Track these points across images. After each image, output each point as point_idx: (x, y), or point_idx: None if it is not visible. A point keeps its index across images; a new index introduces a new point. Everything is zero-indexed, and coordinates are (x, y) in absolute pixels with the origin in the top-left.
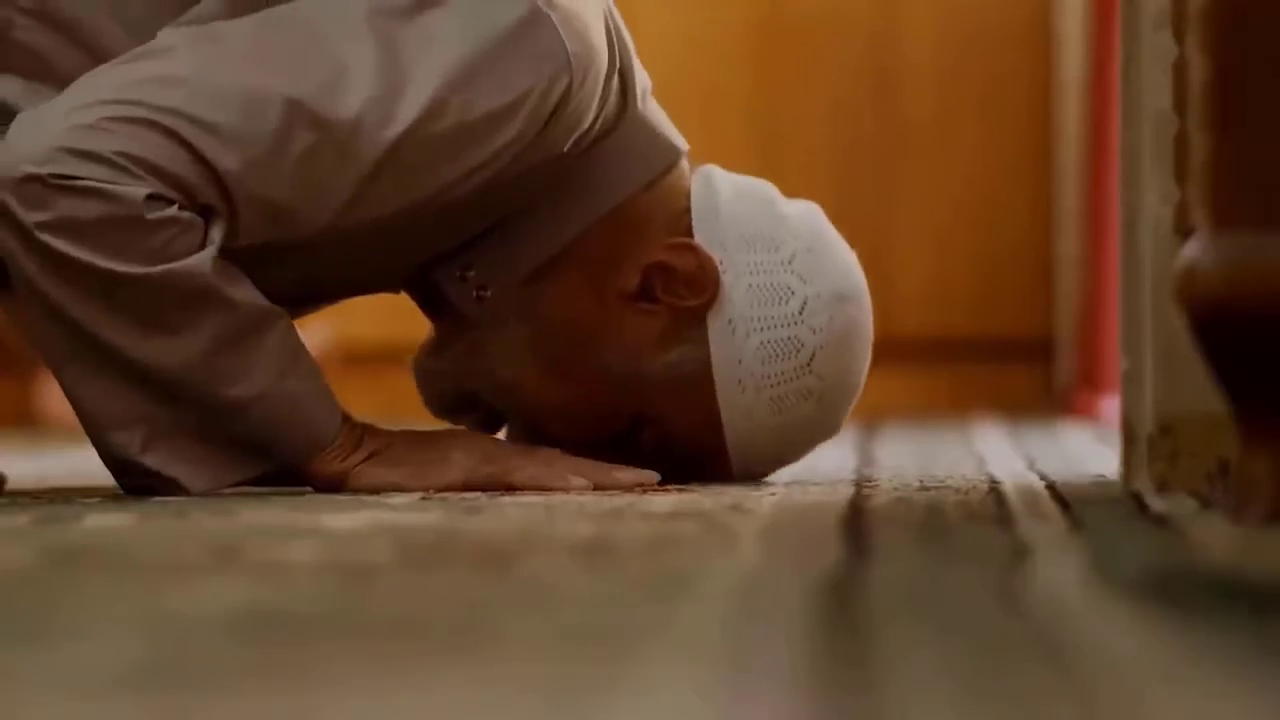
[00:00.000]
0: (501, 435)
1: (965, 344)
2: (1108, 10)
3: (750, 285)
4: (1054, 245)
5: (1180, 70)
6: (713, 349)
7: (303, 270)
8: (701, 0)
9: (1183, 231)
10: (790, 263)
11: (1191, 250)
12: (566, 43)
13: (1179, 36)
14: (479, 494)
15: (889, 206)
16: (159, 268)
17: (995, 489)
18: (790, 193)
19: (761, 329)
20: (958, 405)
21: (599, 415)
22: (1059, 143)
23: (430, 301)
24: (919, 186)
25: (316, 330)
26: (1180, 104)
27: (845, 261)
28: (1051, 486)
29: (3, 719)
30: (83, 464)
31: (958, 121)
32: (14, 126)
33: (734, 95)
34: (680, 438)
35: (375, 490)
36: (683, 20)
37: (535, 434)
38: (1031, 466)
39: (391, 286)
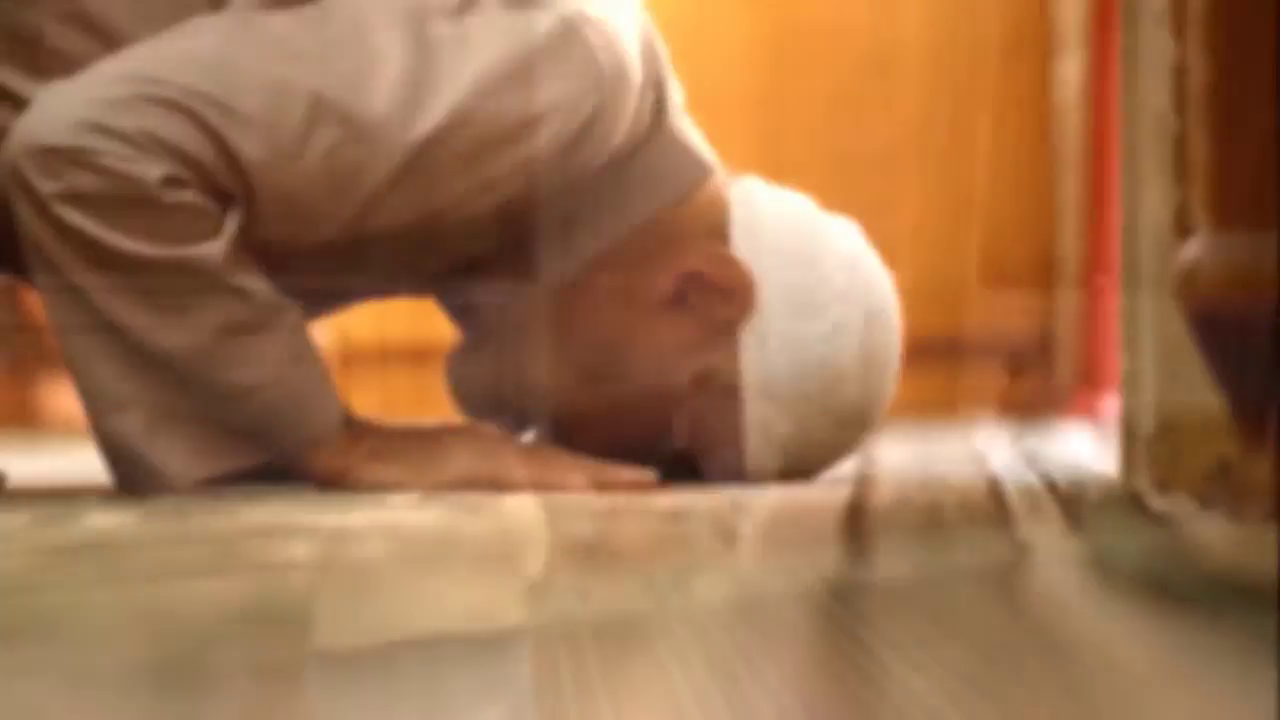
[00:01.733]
0: (529, 437)
1: (965, 344)
2: (1108, 7)
3: (785, 301)
4: (1054, 244)
5: (1180, 70)
6: (743, 362)
7: (330, 270)
8: None
9: (1183, 231)
10: (826, 282)
11: (1191, 250)
12: (599, 58)
13: (1179, 36)
14: (479, 493)
15: (888, 204)
16: (170, 251)
17: (995, 489)
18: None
19: (792, 346)
20: (958, 405)
21: (627, 421)
22: (1059, 141)
23: (457, 308)
24: (918, 184)
25: (315, 329)
26: (1180, 104)
27: (880, 284)
28: (1051, 486)
29: (3, 718)
30: (83, 464)
31: (957, 120)
32: (42, 96)
33: (733, 92)
34: (699, 445)
35: (375, 486)
36: (682, 16)
37: (562, 439)
38: (1031, 466)
39: (419, 290)
